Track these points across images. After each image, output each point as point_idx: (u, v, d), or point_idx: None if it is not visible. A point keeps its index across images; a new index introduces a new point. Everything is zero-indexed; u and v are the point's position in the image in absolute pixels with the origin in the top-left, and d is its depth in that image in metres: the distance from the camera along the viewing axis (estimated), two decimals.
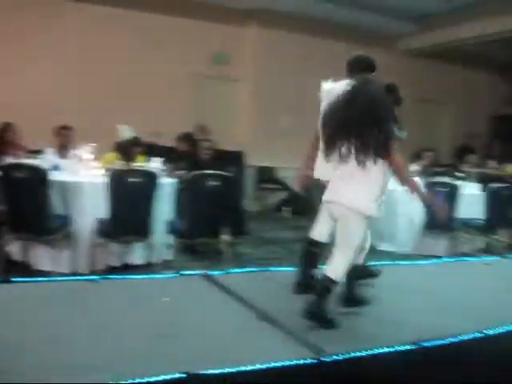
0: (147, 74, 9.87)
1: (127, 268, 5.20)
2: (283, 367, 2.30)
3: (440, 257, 6.14)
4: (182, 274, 3.93)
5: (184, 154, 7.27)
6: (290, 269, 4.36)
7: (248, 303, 3.16)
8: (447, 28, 10.52)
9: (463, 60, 12.41)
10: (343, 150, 2.88)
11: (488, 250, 7.35)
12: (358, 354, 2.45)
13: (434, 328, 2.91)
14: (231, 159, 8.02)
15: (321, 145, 3.23)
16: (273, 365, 2.29)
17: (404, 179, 3.03)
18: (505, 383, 2.72)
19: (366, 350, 2.48)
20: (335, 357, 2.41)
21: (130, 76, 9.70)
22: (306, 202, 8.09)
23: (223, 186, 5.03)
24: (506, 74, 13.33)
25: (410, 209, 7.00)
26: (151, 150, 6.94)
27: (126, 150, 6.07)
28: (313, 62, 10.93)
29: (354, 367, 2.44)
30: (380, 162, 2.89)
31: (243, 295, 3.30)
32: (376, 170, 2.88)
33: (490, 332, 2.88)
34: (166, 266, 5.24)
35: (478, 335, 2.83)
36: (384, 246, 7.13)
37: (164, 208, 5.39)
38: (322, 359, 2.39)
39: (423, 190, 3.13)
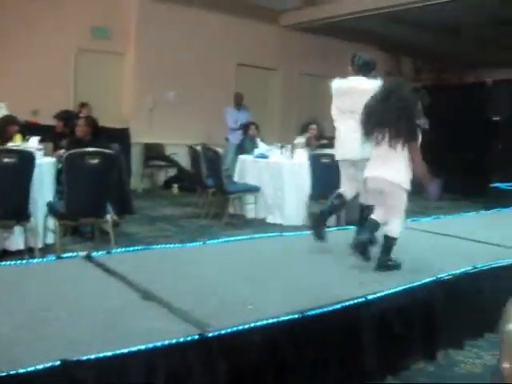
0: (22, 50, 9.31)
1: (6, 254, 4.91)
2: (167, 345, 2.24)
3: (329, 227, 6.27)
4: (61, 257, 3.74)
5: (63, 132, 6.95)
6: (177, 246, 4.30)
7: (132, 283, 3.06)
8: (329, 3, 10.70)
9: (348, 35, 12.70)
10: (379, 136, 3.66)
11: None
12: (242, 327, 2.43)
13: (318, 295, 2.94)
14: (115, 136, 7.75)
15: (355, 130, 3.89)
16: (156, 344, 2.21)
17: (419, 163, 3.69)
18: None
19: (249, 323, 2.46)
20: (219, 332, 2.37)
21: (3, 51, 9.12)
22: (194, 177, 8.09)
23: (104, 164, 4.83)
24: (390, 49, 13.83)
25: (297, 181, 7.13)
26: (29, 129, 6.57)
27: (1, 129, 5.71)
28: (198, 35, 10.80)
29: (238, 340, 2.43)
30: (406, 147, 3.64)
31: (127, 275, 3.18)
32: (405, 153, 3.65)
33: (372, 296, 2.96)
34: (47, 250, 4.99)
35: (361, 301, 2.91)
36: (272, 219, 7.23)
37: (43, 189, 5.13)
38: (207, 334, 2.34)
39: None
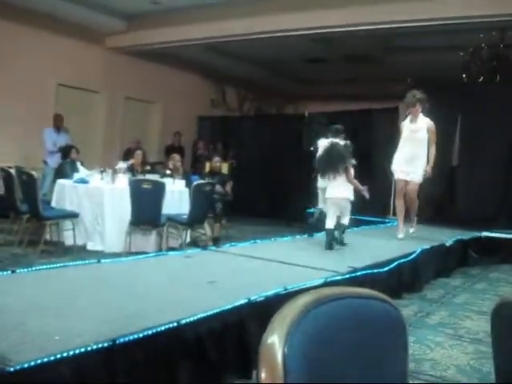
0: None
1: None
2: None
3: (148, 253, 6.23)
4: None
5: None
6: None
7: None
8: (154, 29, 10.76)
9: (173, 62, 12.89)
10: (331, 174, 6.14)
11: (194, 244, 7.74)
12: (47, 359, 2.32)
13: (131, 322, 2.91)
14: None
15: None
16: None
17: (354, 182, 6.25)
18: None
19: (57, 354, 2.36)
20: (22, 366, 2.24)
21: None
22: (7, 202, 7.59)
23: None
24: (215, 78, 14.25)
25: (118, 207, 7.02)
26: None
27: None
28: (12, 51, 10.18)
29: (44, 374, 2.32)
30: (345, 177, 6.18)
31: None
32: (345, 180, 6.17)
33: (184, 321, 2.99)
34: None
35: (174, 325, 2.92)
36: (92, 246, 7.03)
37: None
38: (8, 369, 2.21)
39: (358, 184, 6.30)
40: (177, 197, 7.59)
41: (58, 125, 10.00)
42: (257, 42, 10.41)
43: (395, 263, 5.53)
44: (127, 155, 10.11)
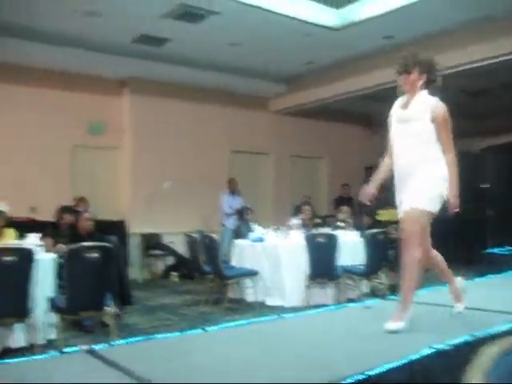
0: (19, 150, 9.62)
1: (8, 352, 4.91)
2: None
3: (327, 305, 6.30)
4: (63, 352, 3.77)
5: (64, 227, 7.08)
6: (177, 334, 4.32)
7: (133, 375, 3.09)
8: (312, 87, 11.17)
9: (333, 116, 13.16)
10: None
11: (372, 294, 7.67)
12: None
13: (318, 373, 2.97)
14: (113, 228, 7.89)
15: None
16: None
17: None
18: None
19: None
20: None
21: (2, 153, 9.42)
22: (192, 264, 8.16)
23: (103, 257, 4.94)
24: (374, 126, 14.25)
25: (294, 262, 7.22)
26: (27, 226, 6.71)
27: None
28: (189, 126, 11.18)
29: None
30: None
31: (127, 367, 3.21)
32: None
33: (371, 373, 2.98)
34: (50, 345, 5.01)
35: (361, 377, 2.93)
36: (271, 301, 7.26)
37: (44, 285, 5.20)
38: None
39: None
40: (351, 248, 7.63)
41: (233, 188, 10.62)
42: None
43: None
44: (297, 211, 10.39)
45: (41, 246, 5.58)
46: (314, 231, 7.66)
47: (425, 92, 3.91)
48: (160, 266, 10.92)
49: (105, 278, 5.02)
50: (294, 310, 6.19)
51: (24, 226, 6.71)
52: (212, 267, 7.34)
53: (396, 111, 4.01)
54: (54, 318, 5.09)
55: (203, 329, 4.48)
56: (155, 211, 10.45)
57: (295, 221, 8.09)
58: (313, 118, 12.89)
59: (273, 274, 7.35)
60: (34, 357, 4.04)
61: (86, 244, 4.99)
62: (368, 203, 4.22)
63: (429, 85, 3.94)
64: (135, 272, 9.86)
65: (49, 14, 7.97)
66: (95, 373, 3.26)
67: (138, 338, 4.13)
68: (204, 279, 7.68)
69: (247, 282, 7.38)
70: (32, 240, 5.66)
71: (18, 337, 5.15)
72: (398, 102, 4.05)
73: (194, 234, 7.96)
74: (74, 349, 3.81)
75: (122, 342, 4.14)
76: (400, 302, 3.92)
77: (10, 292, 4.63)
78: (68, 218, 7.16)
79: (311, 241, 6.94)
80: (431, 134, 3.82)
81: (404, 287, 3.89)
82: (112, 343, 4.03)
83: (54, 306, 5.00)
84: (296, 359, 3.39)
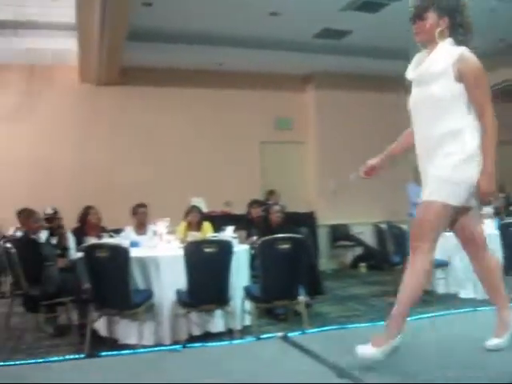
0: (214, 149, 10.29)
1: (208, 336, 5.32)
2: None
3: None
4: (259, 338, 3.99)
5: (256, 219, 7.45)
6: (368, 324, 4.35)
7: (327, 362, 3.18)
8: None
9: None
10: None
11: None
12: None
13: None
14: (302, 220, 8.13)
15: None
16: None
17: None
18: None
19: None
20: None
21: (198, 153, 10.15)
22: (380, 255, 8.10)
23: (295, 248, 5.12)
24: None
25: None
26: (222, 219, 7.20)
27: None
28: (373, 115, 11.08)
29: None
30: None
31: (322, 354, 3.31)
32: None
33: None
34: (245, 331, 5.33)
35: None
36: (465, 294, 6.97)
37: (240, 274, 5.53)
38: None
39: None
40: None
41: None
42: None
43: None
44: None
45: (235, 237, 5.93)
46: (508, 219, 7.19)
47: (448, 41, 2.95)
48: (348, 256, 11.01)
49: (296, 268, 5.19)
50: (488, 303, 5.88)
51: (219, 220, 7.20)
52: (401, 258, 7.23)
53: (410, 71, 3.14)
54: (249, 305, 5.39)
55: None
56: (343, 202, 10.54)
57: (488, 209, 7.66)
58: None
59: (466, 265, 7.03)
60: (232, 341, 4.35)
61: (277, 235, 5.20)
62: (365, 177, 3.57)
63: (455, 31, 2.97)
64: (324, 262, 10.04)
65: (236, 18, 8.41)
66: (290, 358, 3.41)
67: (330, 327, 4.25)
68: (393, 270, 7.59)
69: (438, 272, 7.15)
70: (228, 232, 6.04)
71: (217, 322, 5.54)
72: (416, 59, 3.16)
73: (382, 224, 7.90)
74: (269, 335, 4.03)
75: (315, 330, 4.28)
76: (389, 320, 2.98)
77: (213, 281, 4.99)
78: (259, 211, 7.52)
79: (505, 230, 6.53)
80: (457, 98, 2.87)
81: (401, 300, 2.94)
82: (305, 331, 4.19)
83: (250, 295, 5.29)
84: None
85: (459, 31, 2.96)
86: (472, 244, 3.15)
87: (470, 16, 2.98)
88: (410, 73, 3.10)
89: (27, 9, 8.25)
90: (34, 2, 8.11)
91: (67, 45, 8.99)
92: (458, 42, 2.95)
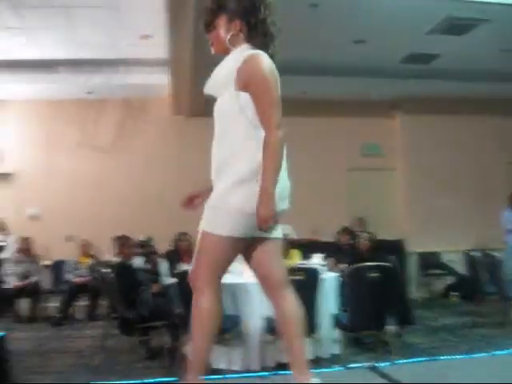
0: (300, 176, 10.36)
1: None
2: None
3: None
4: (348, 367, 3.98)
5: (345, 247, 7.43)
6: (461, 356, 4.23)
7: None
8: None
9: None
10: None
11: None
12: None
13: None
14: (391, 248, 8.02)
15: None
16: None
17: None
18: None
19: None
20: None
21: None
22: (472, 284, 7.84)
23: (384, 276, 5.08)
24: None
25: None
26: (310, 247, 7.23)
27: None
28: (462, 139, 10.81)
29: None
30: None
31: None
32: None
33: None
34: (333, 360, 5.30)
35: None
36: None
37: (328, 302, 5.53)
38: None
39: None
40: None
41: None
42: None
43: None
44: None
45: (324, 265, 5.95)
46: None
47: (244, 47, 2.50)
48: (438, 285, 10.69)
49: (386, 297, 5.14)
50: None
51: (307, 247, 7.24)
52: (495, 287, 6.99)
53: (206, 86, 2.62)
54: (336, 333, 5.38)
55: (488, 352, 4.31)
56: (432, 229, 10.31)
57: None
58: None
59: None
60: (321, 370, 4.35)
61: (366, 264, 5.19)
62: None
63: (253, 35, 2.51)
64: (414, 291, 9.82)
65: (322, 45, 8.49)
66: None
67: (420, 358, 4.17)
68: (485, 300, 7.34)
69: None
70: (316, 260, 6.08)
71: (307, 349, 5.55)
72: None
73: (474, 252, 7.67)
74: (357, 365, 4.02)
75: (404, 360, 4.22)
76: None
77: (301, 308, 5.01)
78: (348, 238, 7.50)
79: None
80: (241, 110, 2.43)
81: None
82: (395, 362, 4.13)
83: (338, 323, 5.28)
84: None
85: (258, 34, 2.52)
86: (267, 283, 2.71)
87: (272, 15, 2.54)
88: (205, 87, 2.63)
89: (121, 48, 8.75)
90: (127, 41, 8.56)
91: (159, 79, 9.41)
92: (259, 47, 2.50)
